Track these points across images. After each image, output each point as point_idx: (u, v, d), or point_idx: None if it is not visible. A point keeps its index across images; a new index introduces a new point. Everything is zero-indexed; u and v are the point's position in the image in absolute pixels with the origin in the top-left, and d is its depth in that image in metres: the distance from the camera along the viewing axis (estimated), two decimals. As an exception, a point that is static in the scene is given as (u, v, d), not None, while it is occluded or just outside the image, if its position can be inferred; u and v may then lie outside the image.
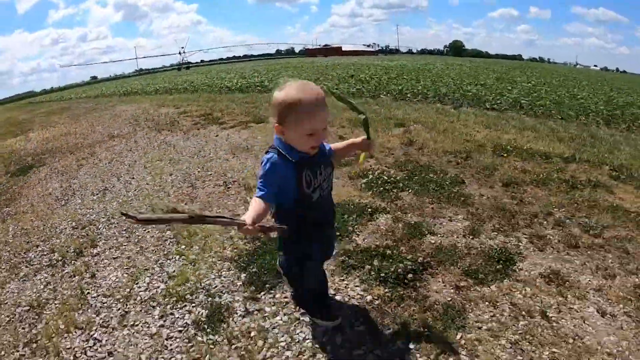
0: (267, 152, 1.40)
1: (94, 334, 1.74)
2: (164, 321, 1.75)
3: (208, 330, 1.64)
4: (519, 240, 2.34)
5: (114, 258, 2.42)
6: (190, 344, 1.59)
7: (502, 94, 10.49)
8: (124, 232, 2.76)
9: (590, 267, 2.09)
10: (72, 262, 2.44)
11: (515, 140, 4.62)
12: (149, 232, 2.68)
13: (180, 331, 1.67)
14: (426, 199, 2.87)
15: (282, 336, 1.57)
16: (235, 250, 2.25)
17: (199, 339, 1.61)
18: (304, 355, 1.48)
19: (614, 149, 4.72)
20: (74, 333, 1.77)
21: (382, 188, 3.03)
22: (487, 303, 1.78)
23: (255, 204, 1.26)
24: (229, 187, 3.31)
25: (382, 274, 1.87)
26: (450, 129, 5.26)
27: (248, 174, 3.56)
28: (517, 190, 3.09)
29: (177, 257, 2.28)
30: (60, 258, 2.52)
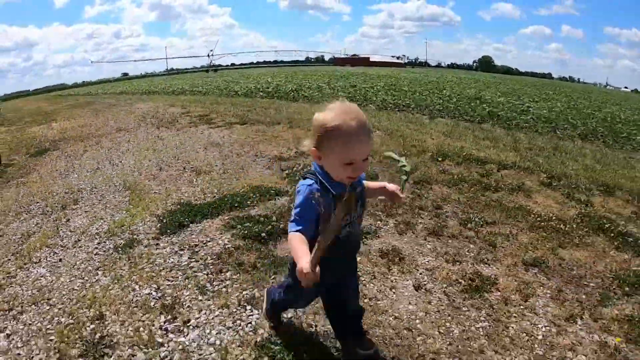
0: (304, 178, 1.32)
1: (55, 250, 2.70)
2: (98, 244, 2.69)
3: (120, 251, 2.56)
4: (385, 224, 2.81)
5: (85, 211, 3.39)
6: (105, 257, 2.51)
7: (489, 106, 11.09)
8: (99, 197, 3.73)
9: (438, 252, 2.47)
10: (57, 212, 3.43)
11: (463, 148, 5.03)
12: (114, 196, 3.66)
13: (104, 251, 2.60)
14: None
15: (160, 259, 2.44)
16: (164, 211, 3.17)
17: (112, 255, 2.53)
18: (164, 271, 2.30)
19: (569, 160, 5.09)
20: (43, 250, 2.73)
21: (297, 178, 3.88)
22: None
23: (299, 243, 1.18)
24: (185, 171, 4.26)
25: (247, 232, 2.65)
26: (407, 135, 5.88)
27: (204, 163, 4.49)
28: (422, 187, 3.53)
29: (125, 211, 3.24)
30: (50, 210, 3.52)
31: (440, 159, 4.52)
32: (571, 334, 1.85)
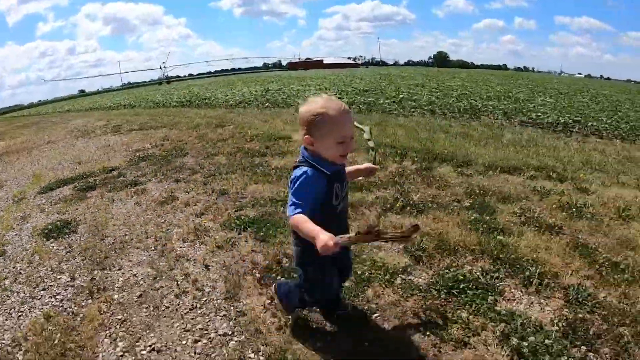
0: (297, 167, 1.50)
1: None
2: (5, 201, 5.22)
3: (15, 202, 5.12)
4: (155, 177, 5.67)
5: (5, 190, 5.87)
6: (7, 205, 5.06)
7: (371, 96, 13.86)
8: (16, 182, 6.21)
9: (175, 187, 5.04)
10: (-12, 192, 5.93)
11: (285, 129, 7.64)
12: (24, 181, 6.17)
13: (8, 203, 5.14)
14: (155, 163, 6.25)
15: (32, 203, 5.01)
16: (47, 184, 5.70)
17: (10, 204, 5.09)
18: (31, 206, 4.88)
19: (392, 129, 7.68)
20: (-24, 206, 5.25)
21: (143, 155, 6.45)
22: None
23: (308, 222, 1.36)
24: (72, 163, 6.78)
25: (80, 187, 5.23)
26: (271, 121, 8.60)
27: (87, 158, 7.03)
28: (234, 157, 6.24)
29: (26, 187, 5.77)
30: (-16, 192, 6.00)
31: (249, 139, 7.10)
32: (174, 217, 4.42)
